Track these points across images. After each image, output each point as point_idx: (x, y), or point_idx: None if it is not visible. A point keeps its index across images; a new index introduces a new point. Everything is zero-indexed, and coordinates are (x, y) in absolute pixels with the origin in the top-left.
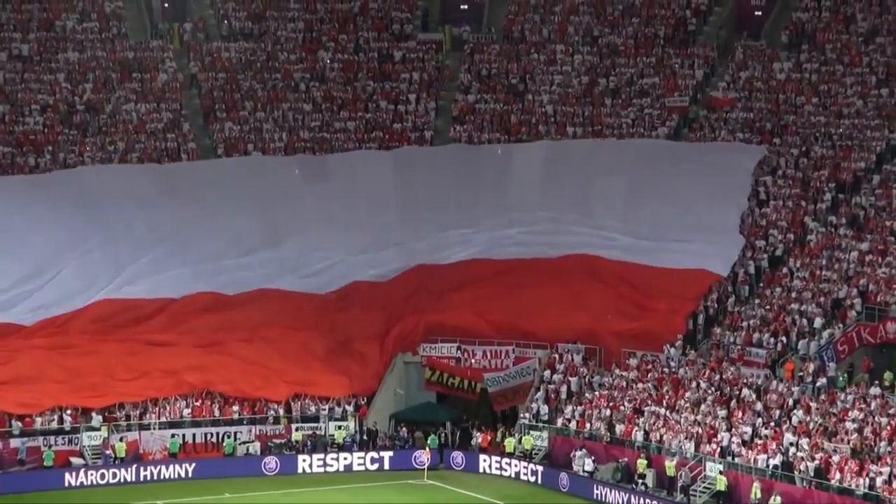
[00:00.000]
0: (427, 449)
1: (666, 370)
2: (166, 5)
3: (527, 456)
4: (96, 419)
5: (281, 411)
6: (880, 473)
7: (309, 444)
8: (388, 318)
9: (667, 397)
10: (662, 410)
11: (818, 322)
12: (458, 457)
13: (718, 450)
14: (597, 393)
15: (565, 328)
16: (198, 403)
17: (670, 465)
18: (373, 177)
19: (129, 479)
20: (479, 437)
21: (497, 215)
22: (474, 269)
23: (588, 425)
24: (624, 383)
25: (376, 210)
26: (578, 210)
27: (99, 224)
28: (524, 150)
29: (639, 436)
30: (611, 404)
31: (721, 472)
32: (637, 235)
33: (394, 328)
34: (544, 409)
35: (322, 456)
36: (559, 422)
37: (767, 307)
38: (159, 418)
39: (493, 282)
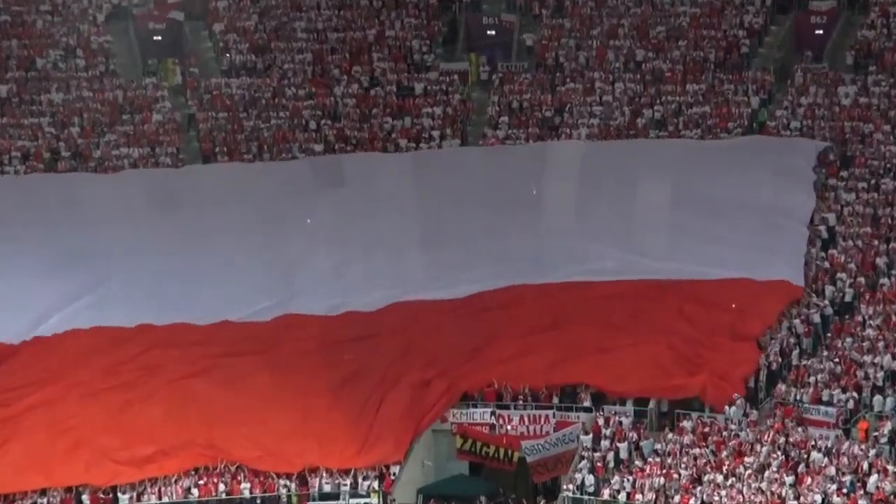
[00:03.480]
0: None
1: (725, 433)
2: (159, 38)
3: None
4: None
5: (293, 487)
6: None
7: None
8: (410, 370)
9: (727, 463)
10: (722, 478)
11: None
12: None
13: None
14: (649, 460)
15: (610, 384)
16: (202, 482)
17: None
18: (391, 183)
19: None
20: None
21: (526, 229)
22: (500, 306)
23: (640, 496)
24: (678, 448)
25: (395, 223)
26: (620, 219)
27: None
28: (556, 149)
29: None
30: (664, 472)
31: None
32: (689, 248)
33: (419, 392)
34: (590, 479)
35: None
36: (606, 493)
37: (837, 360)
38: (160, 499)
39: (524, 325)
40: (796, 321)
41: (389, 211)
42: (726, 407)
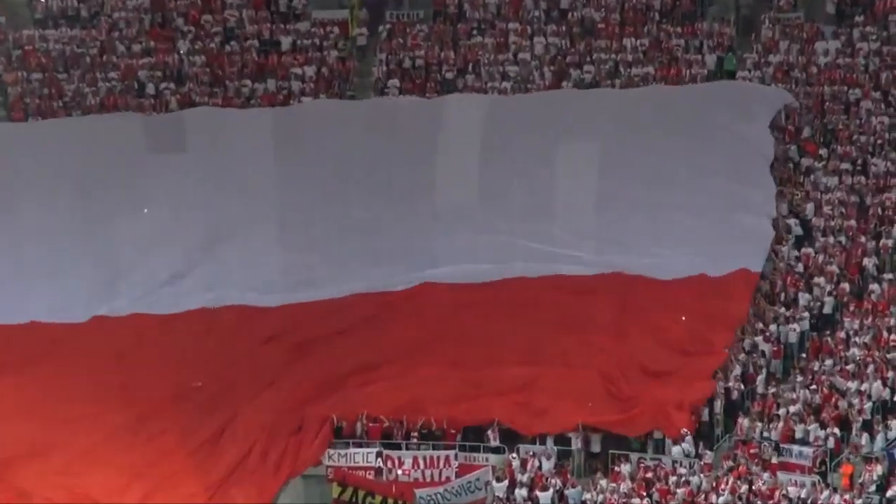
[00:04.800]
0: None
1: (673, 479)
2: None
3: None
4: None
5: None
6: None
7: None
8: (277, 398)
9: None
10: None
11: None
12: None
13: None
14: None
15: (526, 423)
16: None
17: None
18: (246, 148)
19: None
20: None
21: (416, 212)
22: (386, 315)
23: None
24: (614, 498)
25: (250, 203)
26: (534, 196)
27: None
28: (456, 105)
29: None
30: None
31: None
32: (622, 236)
33: (289, 426)
34: None
35: None
36: None
37: (814, 387)
38: None
39: (415, 340)
40: (759, 339)
41: (243, 186)
42: (672, 446)
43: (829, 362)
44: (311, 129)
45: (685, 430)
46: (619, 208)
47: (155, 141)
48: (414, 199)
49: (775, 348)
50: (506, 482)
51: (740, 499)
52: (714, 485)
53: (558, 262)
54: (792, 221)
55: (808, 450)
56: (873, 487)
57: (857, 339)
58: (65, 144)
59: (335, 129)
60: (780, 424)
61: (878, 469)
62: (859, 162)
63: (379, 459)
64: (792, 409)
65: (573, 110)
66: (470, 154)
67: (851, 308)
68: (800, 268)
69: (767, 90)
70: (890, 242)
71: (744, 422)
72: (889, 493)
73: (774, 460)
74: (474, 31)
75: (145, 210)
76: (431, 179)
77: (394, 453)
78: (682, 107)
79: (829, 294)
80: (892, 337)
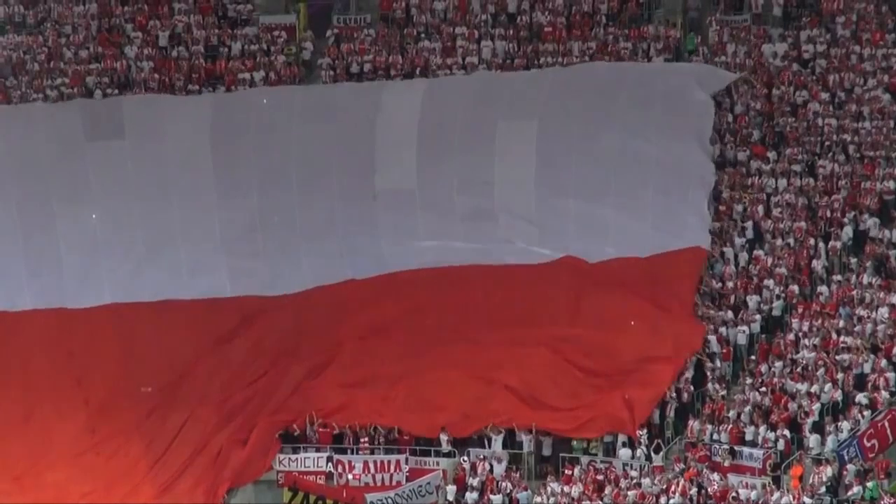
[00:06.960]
0: None
1: (624, 482)
2: None
3: None
4: None
5: None
6: None
7: None
8: (229, 401)
9: None
10: None
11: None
12: None
13: None
14: None
15: (476, 414)
16: None
17: None
18: (184, 135)
19: None
20: None
21: (356, 197)
22: (328, 314)
23: None
24: (565, 502)
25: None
26: (473, 181)
27: None
28: (394, 91)
29: None
30: None
31: None
32: (561, 220)
33: (240, 431)
34: None
35: None
36: None
37: (763, 389)
38: None
39: (348, 331)
40: (711, 338)
41: (182, 176)
42: (620, 449)
43: (778, 364)
44: (254, 115)
45: (641, 430)
46: (557, 192)
47: (94, 129)
48: (355, 188)
49: (725, 350)
50: (455, 486)
51: (691, 501)
52: (665, 487)
53: (501, 254)
54: (741, 224)
55: (758, 452)
56: (823, 489)
57: (806, 341)
58: (5, 135)
59: (276, 113)
60: (731, 427)
61: (829, 470)
62: (808, 164)
63: (329, 464)
64: (742, 411)
65: (512, 93)
66: (408, 141)
67: (800, 310)
68: (749, 270)
69: (712, 69)
70: (838, 244)
71: (694, 424)
72: (850, 493)
73: (727, 463)
74: (421, 36)
75: (93, 216)
76: (371, 170)
77: (344, 458)
78: (624, 86)
79: (779, 296)
80: (842, 339)
